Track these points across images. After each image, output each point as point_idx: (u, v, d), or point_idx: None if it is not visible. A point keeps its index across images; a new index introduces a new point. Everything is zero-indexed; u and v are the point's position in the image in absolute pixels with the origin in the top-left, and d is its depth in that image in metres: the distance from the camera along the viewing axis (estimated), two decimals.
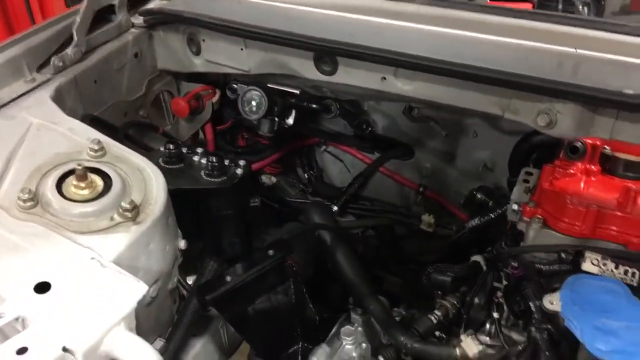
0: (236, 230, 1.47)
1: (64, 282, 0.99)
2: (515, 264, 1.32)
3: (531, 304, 1.23)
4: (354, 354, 1.59)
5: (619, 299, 1.16)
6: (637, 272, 1.21)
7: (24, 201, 1.08)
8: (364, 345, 1.60)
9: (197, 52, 1.63)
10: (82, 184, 1.12)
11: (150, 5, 1.63)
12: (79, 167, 1.11)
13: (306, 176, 2.17)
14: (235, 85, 1.59)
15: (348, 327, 1.62)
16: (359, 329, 1.61)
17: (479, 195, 1.89)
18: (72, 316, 0.94)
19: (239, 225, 1.46)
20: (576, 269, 1.23)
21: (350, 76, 1.39)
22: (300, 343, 1.66)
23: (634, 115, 1.15)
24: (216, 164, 1.36)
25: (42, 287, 0.98)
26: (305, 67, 1.43)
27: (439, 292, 1.57)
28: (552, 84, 1.13)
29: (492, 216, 1.72)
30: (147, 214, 1.13)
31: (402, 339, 1.46)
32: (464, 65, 1.19)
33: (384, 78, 1.35)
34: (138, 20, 1.65)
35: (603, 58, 1.12)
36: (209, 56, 1.59)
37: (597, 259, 1.22)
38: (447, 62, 1.20)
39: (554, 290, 1.20)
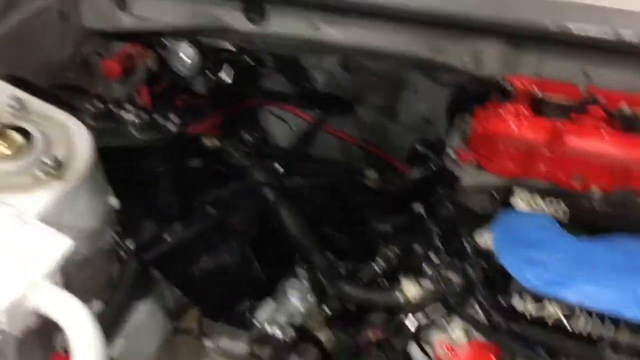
0: (172, 189, 1.44)
1: None
2: (450, 207, 1.34)
3: (465, 244, 1.26)
4: (300, 307, 1.61)
5: (548, 233, 1.19)
6: (566, 209, 1.25)
7: None
8: (310, 298, 1.62)
9: (126, 9, 1.57)
10: (1, 142, 1.08)
11: None
12: None
13: (250, 138, 2.14)
14: (165, 42, 1.55)
15: (294, 280, 1.63)
16: (305, 283, 1.62)
17: (420, 148, 1.91)
18: None
19: (175, 183, 1.44)
20: (507, 207, 1.26)
21: (282, 25, 1.36)
22: (248, 301, 1.66)
23: (556, 51, 1.17)
24: (148, 120, 1.33)
25: None
26: (235, 18, 1.40)
27: (382, 241, 1.59)
28: (476, 22, 1.14)
29: (433, 167, 1.75)
30: (72, 170, 1.10)
31: (346, 288, 1.48)
32: (392, 7, 1.18)
33: (316, 26, 1.33)
34: None
35: None
36: (139, 12, 1.54)
37: (527, 197, 1.26)
38: (377, 4, 1.19)
39: (486, 228, 1.23)
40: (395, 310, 1.39)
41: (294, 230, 1.65)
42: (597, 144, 1.25)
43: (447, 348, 1.15)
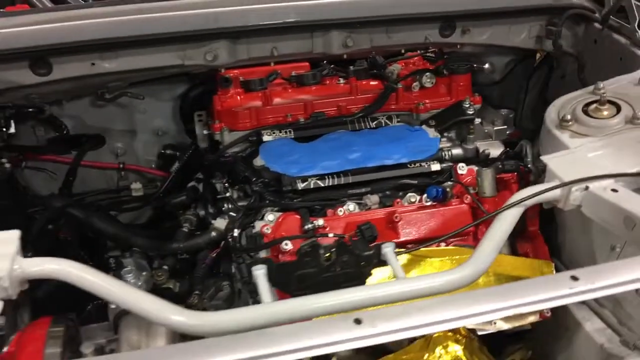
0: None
1: None
2: (226, 155, 2.00)
3: (246, 173, 1.93)
4: (140, 283, 2.05)
5: (290, 146, 1.97)
6: (291, 132, 2.03)
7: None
8: (143, 273, 2.08)
9: None
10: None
11: None
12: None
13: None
14: None
15: (125, 269, 2.07)
16: (131, 265, 2.07)
17: (168, 152, 2.49)
18: None
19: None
20: (261, 142, 1.99)
21: (65, 70, 1.80)
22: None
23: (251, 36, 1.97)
24: None
25: None
26: (23, 75, 1.78)
27: (181, 211, 2.15)
28: (205, 31, 1.84)
29: (186, 156, 2.36)
30: None
31: (174, 245, 2.00)
32: (149, 35, 1.79)
33: (93, 63, 1.82)
34: None
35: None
36: None
37: (270, 132, 2.01)
38: (134, 36, 1.78)
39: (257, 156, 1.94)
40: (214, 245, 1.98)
41: (109, 230, 2.09)
42: (289, 95, 2.09)
43: (264, 226, 1.79)
